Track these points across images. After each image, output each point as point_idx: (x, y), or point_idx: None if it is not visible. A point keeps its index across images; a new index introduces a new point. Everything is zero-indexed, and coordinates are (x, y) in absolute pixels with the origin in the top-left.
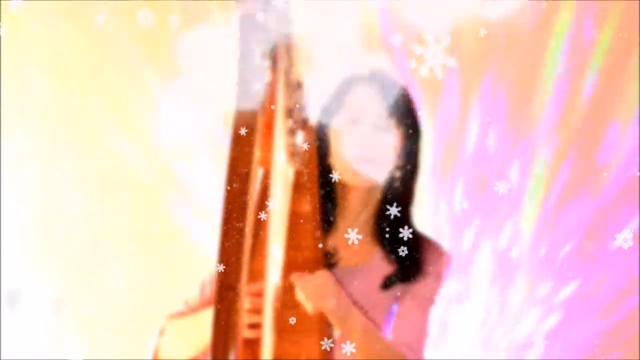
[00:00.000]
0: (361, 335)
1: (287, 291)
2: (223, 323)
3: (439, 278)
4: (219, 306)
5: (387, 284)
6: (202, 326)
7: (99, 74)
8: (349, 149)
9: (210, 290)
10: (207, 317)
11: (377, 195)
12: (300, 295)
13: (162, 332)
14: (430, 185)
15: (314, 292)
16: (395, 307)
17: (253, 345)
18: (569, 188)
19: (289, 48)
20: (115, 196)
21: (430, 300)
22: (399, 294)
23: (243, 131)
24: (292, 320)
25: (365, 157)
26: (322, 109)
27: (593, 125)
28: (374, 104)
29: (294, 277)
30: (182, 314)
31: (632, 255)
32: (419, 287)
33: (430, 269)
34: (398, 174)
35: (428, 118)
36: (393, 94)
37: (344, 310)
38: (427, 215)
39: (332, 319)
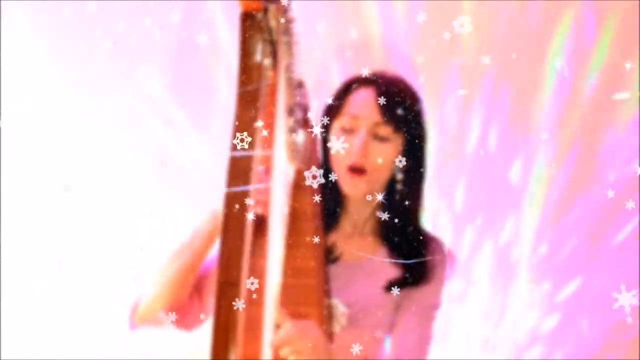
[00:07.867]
0: None
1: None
2: (223, 320)
3: (441, 281)
4: (219, 302)
5: (391, 287)
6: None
7: None
8: (343, 159)
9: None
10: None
11: (379, 196)
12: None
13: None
14: (431, 185)
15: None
16: (396, 315)
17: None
18: (570, 188)
19: (290, 45)
20: None
21: (433, 307)
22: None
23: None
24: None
25: (357, 167)
26: (323, 109)
27: (593, 125)
28: (373, 108)
29: (282, 322)
30: None
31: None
32: (422, 294)
33: (434, 273)
34: (400, 176)
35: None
36: (395, 96)
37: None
38: (428, 215)
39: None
